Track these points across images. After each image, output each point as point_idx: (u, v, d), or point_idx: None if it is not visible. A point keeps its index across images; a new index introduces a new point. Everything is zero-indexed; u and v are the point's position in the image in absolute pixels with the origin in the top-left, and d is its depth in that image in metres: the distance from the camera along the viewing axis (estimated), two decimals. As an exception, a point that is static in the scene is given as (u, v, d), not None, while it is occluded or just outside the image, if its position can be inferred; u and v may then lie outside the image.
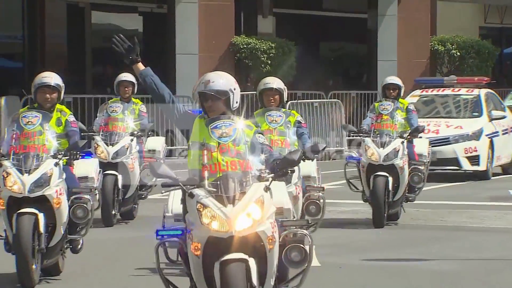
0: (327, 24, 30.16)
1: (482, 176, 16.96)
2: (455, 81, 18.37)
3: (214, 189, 6.42)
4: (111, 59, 22.60)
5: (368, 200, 11.39)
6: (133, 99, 11.92)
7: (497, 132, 17.53)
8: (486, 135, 17.13)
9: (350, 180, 11.84)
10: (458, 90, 18.48)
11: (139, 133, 11.71)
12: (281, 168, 6.54)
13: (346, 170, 11.87)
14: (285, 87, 9.16)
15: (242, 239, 6.29)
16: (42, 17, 23.44)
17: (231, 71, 23.94)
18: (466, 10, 32.94)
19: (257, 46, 23.76)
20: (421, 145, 12.12)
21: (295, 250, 6.44)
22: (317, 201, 8.95)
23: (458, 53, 27.60)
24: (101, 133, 11.42)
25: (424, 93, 18.66)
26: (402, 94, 11.67)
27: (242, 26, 26.03)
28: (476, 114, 17.87)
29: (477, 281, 9.64)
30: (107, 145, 11.33)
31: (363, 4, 29.11)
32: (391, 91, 11.43)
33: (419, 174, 11.35)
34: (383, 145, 10.98)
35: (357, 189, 11.72)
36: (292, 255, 6.40)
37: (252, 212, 6.36)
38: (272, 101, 8.89)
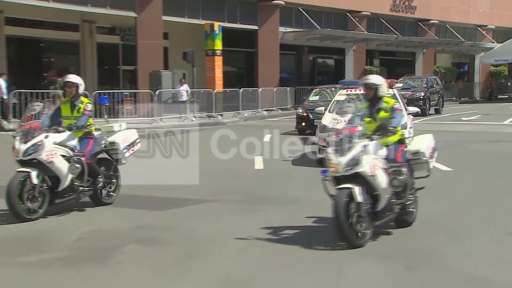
0: (399, 61, 45.44)
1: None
2: None
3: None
4: (300, 75, 39.02)
5: None
6: (82, 98, 10.51)
7: (411, 126, 15.26)
8: (410, 128, 14.47)
9: None
10: None
11: (61, 129, 10.17)
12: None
13: None
14: None
15: (349, 176, 7.64)
16: (256, 55, 35.01)
17: (364, 78, 41.15)
18: (446, 56, 49.73)
19: (372, 69, 39.32)
20: None
21: (394, 180, 8.01)
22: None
23: (443, 71, 44.07)
24: (19, 131, 9.86)
25: (349, 92, 17.79)
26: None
27: (368, 63, 42.24)
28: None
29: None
30: (22, 143, 9.74)
31: (410, 54, 45.43)
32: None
33: None
34: None
35: None
36: (393, 182, 7.99)
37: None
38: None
